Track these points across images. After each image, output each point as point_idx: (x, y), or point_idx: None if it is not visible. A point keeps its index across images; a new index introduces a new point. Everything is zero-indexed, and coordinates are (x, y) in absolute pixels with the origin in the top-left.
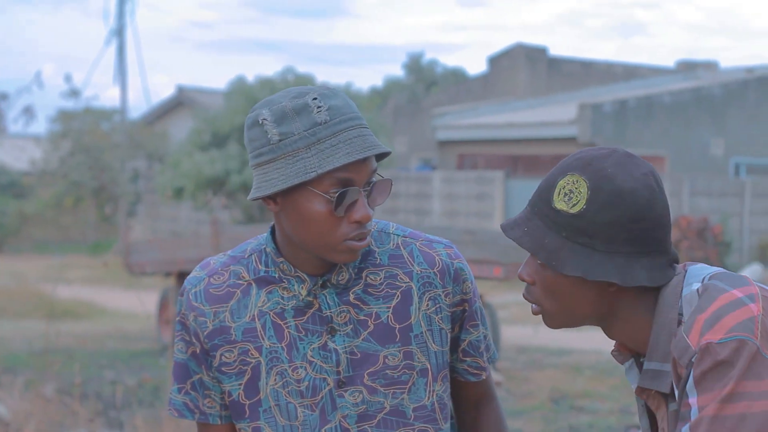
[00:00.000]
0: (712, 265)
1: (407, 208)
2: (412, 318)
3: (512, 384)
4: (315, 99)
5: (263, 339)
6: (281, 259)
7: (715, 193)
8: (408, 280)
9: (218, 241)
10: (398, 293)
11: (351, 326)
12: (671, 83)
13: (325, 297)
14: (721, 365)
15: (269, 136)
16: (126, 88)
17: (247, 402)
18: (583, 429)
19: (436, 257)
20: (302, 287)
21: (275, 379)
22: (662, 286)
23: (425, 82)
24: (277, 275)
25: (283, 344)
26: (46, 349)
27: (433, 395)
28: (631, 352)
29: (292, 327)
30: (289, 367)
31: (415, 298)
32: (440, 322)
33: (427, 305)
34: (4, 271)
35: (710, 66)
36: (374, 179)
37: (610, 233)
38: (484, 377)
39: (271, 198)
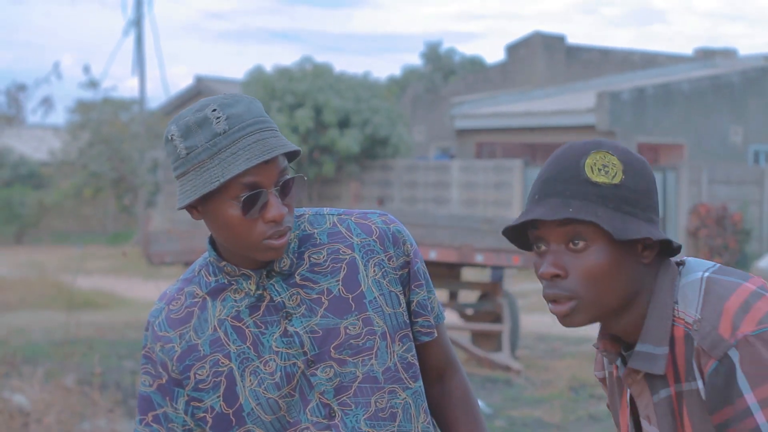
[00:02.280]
0: (731, 252)
1: (426, 197)
2: (363, 286)
3: (531, 372)
4: (214, 110)
5: (229, 345)
6: (224, 263)
7: (734, 181)
8: (350, 252)
9: None
10: (343, 266)
11: (305, 306)
12: (689, 71)
13: (273, 286)
14: (764, 358)
15: (178, 150)
16: (144, 78)
17: (230, 411)
18: (602, 417)
19: (372, 225)
20: (250, 282)
21: (251, 380)
22: (659, 269)
23: (443, 71)
24: (225, 280)
25: (248, 344)
26: (66, 340)
27: (394, 356)
28: (617, 348)
29: (251, 324)
30: (260, 362)
31: (361, 267)
32: (389, 285)
33: (374, 271)
34: (23, 261)
35: (729, 53)
36: (288, 177)
37: (646, 201)
38: (437, 335)
39: (193, 207)
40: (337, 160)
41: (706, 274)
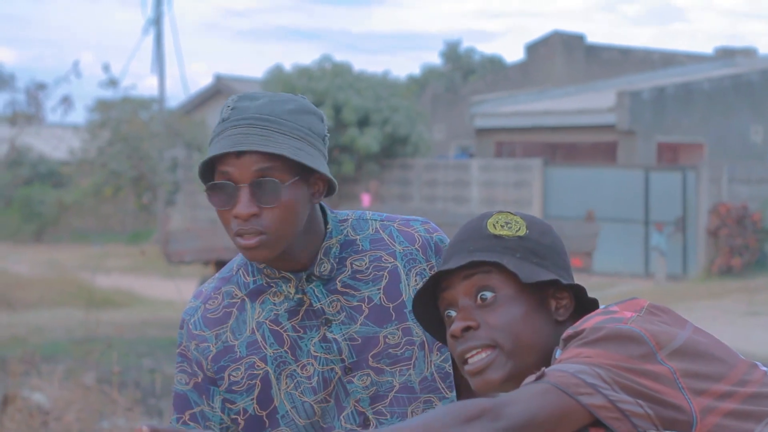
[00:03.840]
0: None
1: (446, 195)
2: (404, 295)
3: None
4: (232, 99)
5: (266, 348)
6: (263, 265)
7: (755, 181)
8: (393, 260)
9: None
10: (385, 274)
11: (345, 314)
12: (710, 70)
13: (313, 290)
14: (579, 338)
15: None
16: (164, 77)
17: (264, 413)
18: None
19: (415, 234)
20: (289, 286)
21: (287, 383)
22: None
23: (463, 70)
24: (264, 282)
25: (285, 348)
26: (85, 338)
27: (431, 366)
28: None
29: (289, 329)
30: (297, 366)
31: (403, 276)
32: None
33: (416, 281)
34: (43, 260)
35: (749, 52)
36: (262, 179)
37: (555, 257)
38: None
39: None
40: (357, 159)
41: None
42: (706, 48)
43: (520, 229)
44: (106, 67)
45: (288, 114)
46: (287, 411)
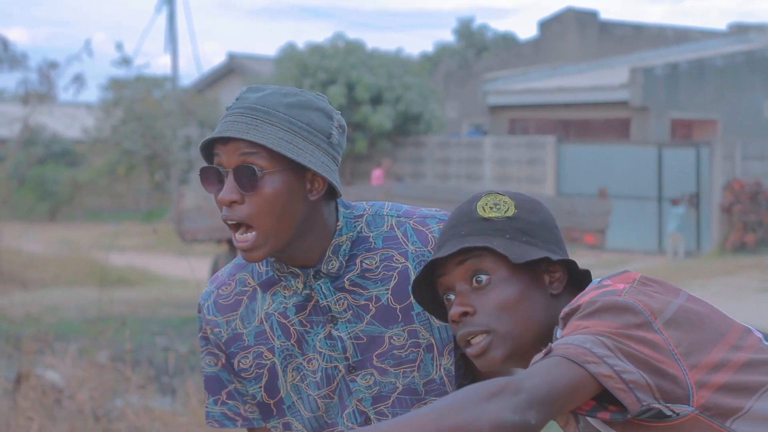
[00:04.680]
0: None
1: (459, 173)
2: (412, 297)
3: None
4: (241, 90)
5: (273, 339)
6: (273, 259)
7: None
8: (404, 260)
9: None
10: (395, 274)
11: (351, 312)
12: (723, 46)
13: (320, 287)
14: (576, 313)
15: None
16: (177, 55)
17: (272, 401)
18: None
19: (429, 235)
20: (297, 281)
21: (293, 375)
22: (574, 296)
23: (476, 48)
24: (275, 274)
25: (292, 341)
26: (99, 317)
27: (440, 369)
28: None
29: (296, 323)
30: (304, 359)
31: (412, 277)
32: None
33: None
34: (57, 239)
35: (763, 28)
36: (241, 165)
37: (545, 234)
38: None
39: None
40: (370, 137)
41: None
42: (720, 24)
43: (508, 209)
44: (119, 46)
45: (285, 107)
46: (293, 402)
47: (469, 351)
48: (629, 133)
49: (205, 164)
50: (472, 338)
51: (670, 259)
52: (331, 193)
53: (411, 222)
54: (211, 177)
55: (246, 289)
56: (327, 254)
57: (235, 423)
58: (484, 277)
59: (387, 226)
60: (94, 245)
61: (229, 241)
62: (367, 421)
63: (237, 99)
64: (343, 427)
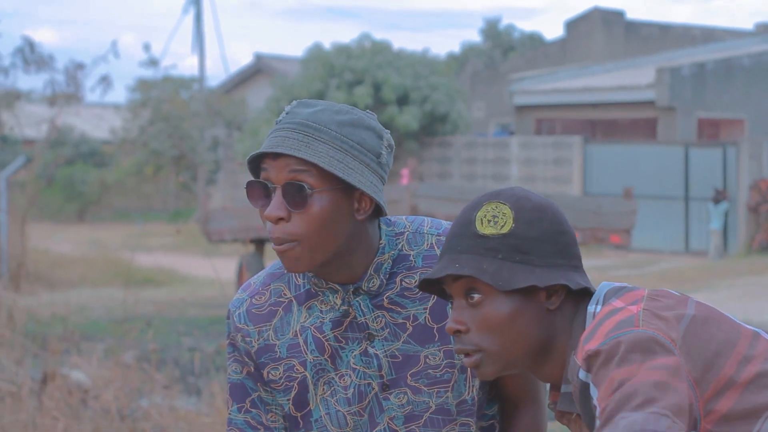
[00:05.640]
0: None
1: (485, 173)
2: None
3: None
4: (291, 105)
5: (306, 353)
6: (311, 273)
7: None
8: None
9: None
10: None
11: (388, 330)
12: (750, 46)
13: (359, 304)
14: (605, 361)
15: None
16: (204, 56)
17: (299, 414)
18: None
19: None
20: (336, 297)
21: (323, 389)
22: (577, 309)
23: (502, 48)
24: (312, 288)
25: (325, 356)
26: (125, 317)
27: (472, 390)
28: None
29: (332, 339)
30: (336, 375)
31: None
32: None
33: None
34: (85, 239)
35: None
36: (291, 182)
37: (543, 247)
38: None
39: None
40: (396, 137)
41: (590, 307)
42: (747, 24)
43: (505, 224)
44: (146, 47)
45: (337, 125)
46: (321, 416)
47: (464, 362)
48: (656, 133)
49: (256, 175)
50: (465, 354)
51: (714, 257)
52: (377, 211)
53: None
54: (258, 191)
55: (282, 300)
56: (369, 272)
57: (257, 431)
58: (476, 296)
59: (427, 245)
60: (122, 245)
61: (255, 242)
62: None
63: (287, 113)
64: None
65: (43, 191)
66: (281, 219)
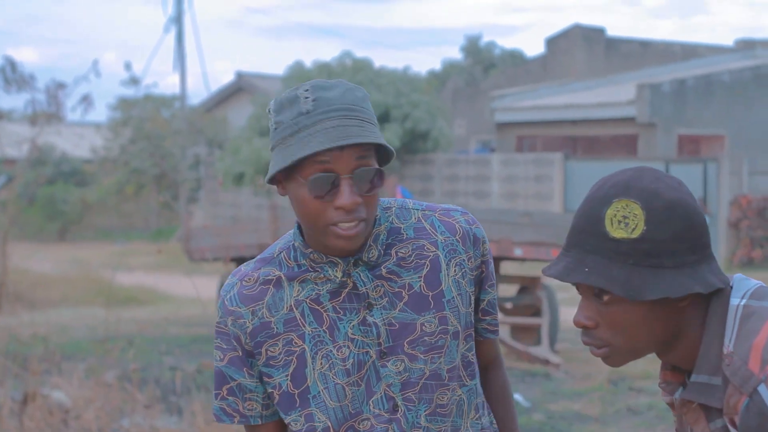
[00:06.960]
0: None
1: (466, 190)
2: (443, 284)
3: (571, 366)
4: (306, 90)
5: (304, 326)
6: (310, 250)
7: None
8: (434, 249)
9: (277, 226)
10: (427, 262)
11: (386, 299)
12: (730, 62)
13: (359, 275)
14: None
15: (270, 123)
16: (185, 74)
17: (296, 391)
18: (642, 410)
19: (456, 225)
20: (336, 270)
21: (321, 363)
22: (712, 296)
23: (483, 65)
24: (308, 266)
25: (324, 327)
26: (107, 336)
27: (459, 355)
28: (679, 379)
29: (330, 309)
30: (334, 347)
31: (443, 265)
32: (466, 285)
33: (455, 271)
34: (66, 258)
35: None
36: (365, 168)
37: (674, 247)
38: (498, 334)
39: (279, 182)
40: None
41: (743, 301)
42: (727, 40)
43: (636, 227)
44: (127, 66)
45: (362, 102)
46: (319, 392)
47: (592, 352)
48: (636, 150)
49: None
50: (592, 347)
51: None
52: None
53: (436, 215)
54: (324, 185)
55: (271, 278)
56: (368, 243)
57: (233, 419)
58: (606, 296)
59: (415, 218)
60: (103, 264)
61: (235, 260)
62: (394, 407)
63: (313, 100)
64: (369, 414)
65: (24, 210)
66: (358, 204)
